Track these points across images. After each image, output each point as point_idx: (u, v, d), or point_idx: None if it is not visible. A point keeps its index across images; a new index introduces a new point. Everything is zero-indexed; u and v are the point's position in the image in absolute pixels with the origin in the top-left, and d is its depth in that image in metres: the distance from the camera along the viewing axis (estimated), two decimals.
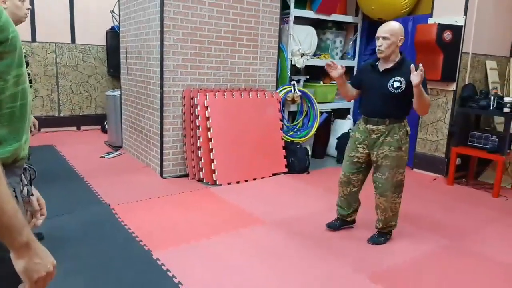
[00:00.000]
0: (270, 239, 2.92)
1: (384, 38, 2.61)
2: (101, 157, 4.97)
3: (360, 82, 2.89)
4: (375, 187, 2.83)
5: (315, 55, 5.30)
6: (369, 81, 2.79)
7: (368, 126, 2.77)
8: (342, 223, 3.08)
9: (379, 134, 2.73)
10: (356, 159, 2.85)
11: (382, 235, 2.90)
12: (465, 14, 4.36)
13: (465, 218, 3.50)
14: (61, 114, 6.45)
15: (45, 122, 6.24)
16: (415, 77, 2.48)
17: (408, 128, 2.79)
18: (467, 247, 2.94)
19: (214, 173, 4.03)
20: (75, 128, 6.54)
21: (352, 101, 5.27)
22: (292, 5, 4.85)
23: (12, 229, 0.85)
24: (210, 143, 4.03)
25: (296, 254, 2.72)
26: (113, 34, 6.06)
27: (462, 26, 4.36)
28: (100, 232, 2.92)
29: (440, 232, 3.17)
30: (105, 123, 6.03)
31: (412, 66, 2.53)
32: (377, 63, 2.76)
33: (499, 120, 4.72)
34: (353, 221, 3.12)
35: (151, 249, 2.67)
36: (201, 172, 4.08)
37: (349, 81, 3.03)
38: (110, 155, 5.04)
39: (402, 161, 2.76)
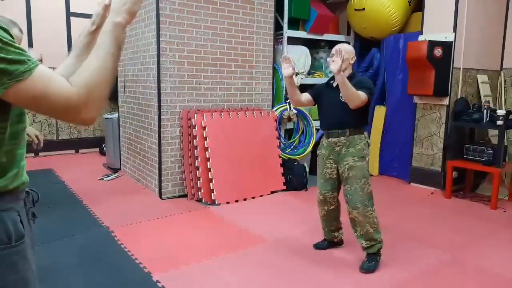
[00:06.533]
0: (271, 259, 2.92)
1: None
2: (100, 179, 4.99)
3: (316, 95, 2.98)
4: (346, 201, 2.81)
5: (309, 73, 5.40)
6: (325, 97, 2.91)
7: (330, 139, 2.84)
8: (329, 244, 3.08)
9: (341, 146, 2.79)
10: (328, 176, 2.88)
11: (372, 259, 2.77)
12: (455, 30, 4.47)
13: (464, 231, 3.51)
14: (59, 138, 6.48)
15: (43, 146, 6.25)
16: (332, 66, 2.58)
17: (369, 140, 2.87)
18: (469, 261, 2.95)
19: (213, 192, 4.05)
20: (73, 151, 6.57)
21: None
22: (285, 26, 4.96)
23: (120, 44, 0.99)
24: (208, 162, 4.06)
25: (298, 273, 2.72)
26: None
27: (452, 42, 4.46)
28: (100, 255, 2.92)
29: (441, 246, 3.17)
30: (103, 145, 6.06)
31: (329, 59, 2.66)
32: (331, 82, 2.87)
33: (493, 133, 4.78)
34: (341, 242, 3.11)
35: (151, 271, 2.66)
36: (199, 192, 4.10)
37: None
38: (109, 178, 5.05)
39: (367, 172, 2.79)
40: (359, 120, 2.81)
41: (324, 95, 2.93)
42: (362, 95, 2.65)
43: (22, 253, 1.01)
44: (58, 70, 1.31)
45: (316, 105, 3.02)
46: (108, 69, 0.93)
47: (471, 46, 4.64)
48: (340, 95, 2.72)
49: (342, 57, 2.58)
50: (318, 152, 2.99)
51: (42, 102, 0.87)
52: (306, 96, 2.99)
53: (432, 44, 4.35)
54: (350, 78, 2.75)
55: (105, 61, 0.93)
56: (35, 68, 0.86)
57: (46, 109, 0.88)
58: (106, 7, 1.21)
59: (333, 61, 2.60)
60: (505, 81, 5.09)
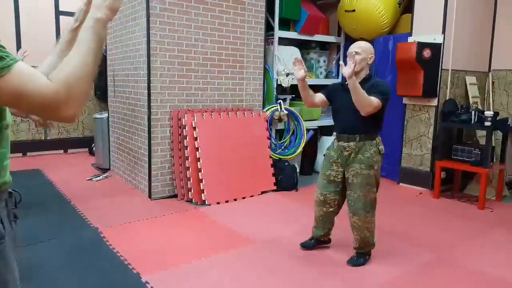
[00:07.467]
0: (262, 259, 2.92)
1: (356, 53, 2.66)
2: (89, 180, 4.94)
3: (329, 96, 2.91)
4: (348, 206, 2.81)
5: None
6: (338, 99, 2.83)
7: (340, 143, 2.78)
8: (317, 242, 3.06)
9: (349, 151, 2.73)
10: (332, 178, 2.83)
11: (361, 256, 2.84)
12: (443, 32, 4.52)
13: (451, 231, 3.55)
14: (48, 138, 6.41)
15: (32, 146, 6.19)
16: (345, 70, 2.48)
17: (381, 147, 2.77)
18: (455, 260, 2.98)
19: (203, 193, 4.03)
20: (62, 151, 6.50)
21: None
22: (276, 26, 4.97)
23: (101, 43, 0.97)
24: (198, 163, 4.05)
25: (289, 273, 2.72)
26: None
27: (441, 43, 4.51)
28: (88, 256, 2.89)
29: (428, 246, 3.20)
30: (93, 145, 6.01)
31: (342, 62, 2.57)
32: (346, 83, 2.69)
33: (481, 134, 4.84)
34: (329, 241, 3.10)
35: (140, 272, 2.65)
36: (190, 193, 4.08)
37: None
38: (98, 178, 5.01)
39: (374, 180, 2.74)
40: (372, 126, 2.72)
41: (337, 96, 2.83)
42: (374, 102, 2.55)
43: (2, 254, 1.00)
44: (41, 67, 1.29)
45: (330, 106, 2.95)
46: (89, 65, 0.92)
47: (459, 48, 4.70)
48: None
49: (355, 61, 2.49)
50: (325, 152, 2.93)
51: (21, 99, 0.85)
52: (319, 97, 2.91)
53: (421, 45, 4.39)
54: (366, 80, 2.68)
55: (86, 57, 0.92)
56: (14, 64, 0.84)
57: (26, 106, 0.87)
58: (89, 3, 1.20)
59: (346, 64, 2.51)
60: (493, 82, 5.16)
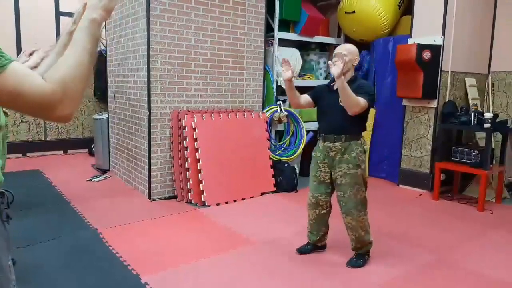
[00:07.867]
0: (261, 260, 2.91)
1: (343, 55, 2.68)
2: (88, 180, 4.94)
3: (315, 97, 2.92)
4: (340, 207, 2.82)
5: (299, 75, 5.41)
6: (324, 100, 2.86)
7: (325, 144, 2.80)
8: (313, 247, 3.04)
9: (336, 151, 2.76)
10: (322, 178, 2.85)
11: (360, 257, 2.85)
12: (443, 34, 4.53)
13: (451, 232, 3.55)
14: (48, 138, 6.41)
15: (31, 146, 6.19)
16: (334, 70, 2.50)
17: (366, 146, 2.82)
18: (455, 261, 2.98)
19: (203, 194, 4.03)
20: (61, 152, 6.50)
21: None
22: (276, 28, 4.97)
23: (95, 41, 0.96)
24: (198, 164, 4.05)
25: (287, 274, 2.72)
26: (100, 58, 6.09)
27: (440, 45, 4.51)
28: (88, 256, 2.89)
29: (428, 247, 3.20)
30: (92, 146, 6.01)
31: (330, 62, 2.59)
32: (332, 84, 2.77)
33: (480, 135, 4.84)
34: (324, 246, 3.08)
35: (140, 273, 2.64)
36: (189, 194, 4.08)
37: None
38: (98, 179, 5.01)
39: (362, 179, 2.77)
40: (357, 126, 2.76)
41: (324, 97, 2.86)
42: (361, 102, 2.59)
43: None
44: (40, 68, 1.29)
45: (316, 107, 2.96)
46: (84, 65, 0.92)
47: (459, 49, 4.70)
48: (340, 99, 2.65)
49: (344, 61, 2.52)
50: (312, 154, 2.95)
51: (16, 99, 0.85)
52: (305, 98, 2.93)
53: (421, 47, 4.40)
54: (351, 81, 2.71)
55: (81, 57, 0.92)
56: (8, 64, 0.84)
57: (21, 106, 0.86)
58: (86, 5, 1.20)
59: (335, 64, 2.53)
60: (492, 84, 5.17)
